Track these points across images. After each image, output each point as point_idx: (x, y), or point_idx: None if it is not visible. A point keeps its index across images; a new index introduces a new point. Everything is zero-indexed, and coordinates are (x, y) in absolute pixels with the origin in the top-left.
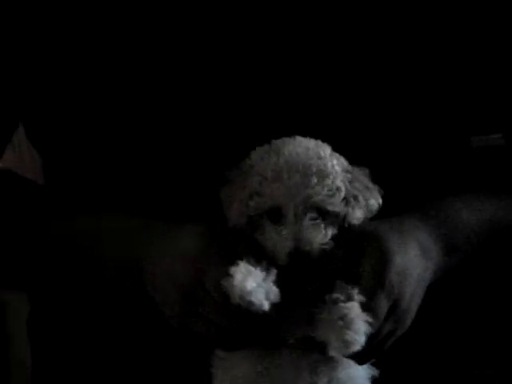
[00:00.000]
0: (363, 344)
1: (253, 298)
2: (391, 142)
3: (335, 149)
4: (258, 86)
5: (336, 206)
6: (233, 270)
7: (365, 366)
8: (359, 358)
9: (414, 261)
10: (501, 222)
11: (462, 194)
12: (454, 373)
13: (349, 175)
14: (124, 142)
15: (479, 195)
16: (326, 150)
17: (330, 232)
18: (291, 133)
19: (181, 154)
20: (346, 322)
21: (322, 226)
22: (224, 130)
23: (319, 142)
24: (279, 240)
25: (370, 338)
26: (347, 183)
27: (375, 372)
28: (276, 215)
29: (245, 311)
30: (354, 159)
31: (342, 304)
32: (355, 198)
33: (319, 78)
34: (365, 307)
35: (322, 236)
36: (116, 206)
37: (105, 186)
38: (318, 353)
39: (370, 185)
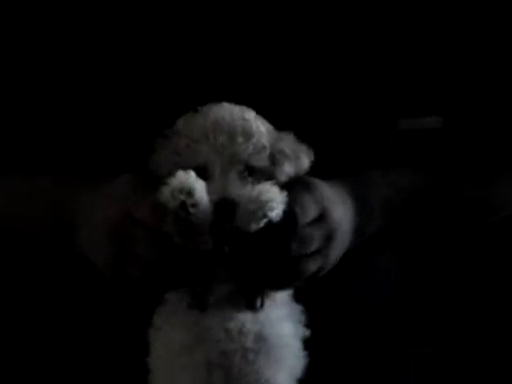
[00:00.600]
0: (279, 209)
1: (198, 194)
2: (320, 123)
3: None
4: (187, 56)
5: (262, 161)
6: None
7: (294, 324)
8: (286, 278)
9: (338, 201)
10: (418, 194)
11: (383, 168)
12: (390, 352)
13: (274, 135)
14: (51, 105)
15: (400, 169)
16: (250, 113)
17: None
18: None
19: (108, 120)
20: (260, 192)
21: (249, 180)
22: (148, 97)
23: (244, 107)
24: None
25: (299, 255)
26: (273, 141)
27: (306, 332)
28: (202, 174)
29: (177, 239)
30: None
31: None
32: (282, 152)
33: (257, 53)
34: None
35: (248, 189)
36: (44, 167)
37: (30, 146)
38: (245, 307)
39: (298, 144)
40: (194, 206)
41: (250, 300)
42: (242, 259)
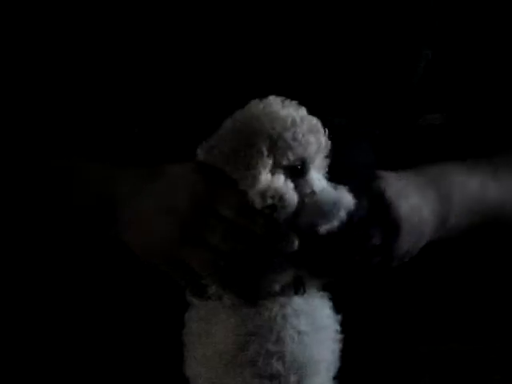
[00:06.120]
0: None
1: (286, 192)
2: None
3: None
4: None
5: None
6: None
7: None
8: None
9: (409, 193)
10: (499, 211)
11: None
12: (400, 348)
13: None
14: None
15: (482, 179)
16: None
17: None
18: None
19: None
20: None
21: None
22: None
23: (293, 104)
24: None
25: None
26: None
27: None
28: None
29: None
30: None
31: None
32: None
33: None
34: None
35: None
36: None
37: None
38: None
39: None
40: (283, 208)
41: (297, 287)
42: (308, 255)
